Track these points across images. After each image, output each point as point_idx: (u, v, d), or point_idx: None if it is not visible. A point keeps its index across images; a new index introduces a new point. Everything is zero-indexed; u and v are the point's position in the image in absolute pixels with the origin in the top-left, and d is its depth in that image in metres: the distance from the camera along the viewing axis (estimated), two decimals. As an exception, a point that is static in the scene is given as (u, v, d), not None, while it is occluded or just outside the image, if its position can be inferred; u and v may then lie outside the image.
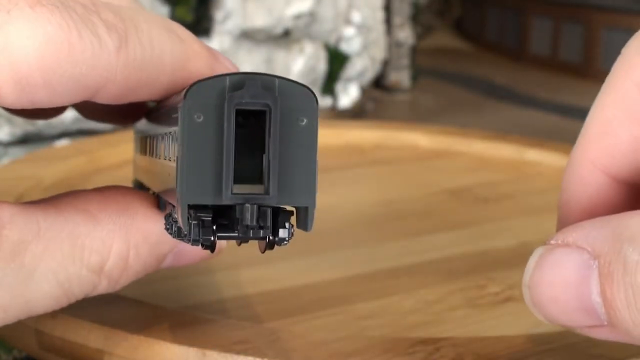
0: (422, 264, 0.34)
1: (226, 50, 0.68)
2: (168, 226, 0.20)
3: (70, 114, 0.59)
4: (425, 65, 0.98)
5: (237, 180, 0.18)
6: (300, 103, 0.19)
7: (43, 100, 0.18)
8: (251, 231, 0.19)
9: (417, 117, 0.81)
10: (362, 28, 0.78)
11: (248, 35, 0.69)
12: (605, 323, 0.19)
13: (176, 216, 0.19)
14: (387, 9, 0.86)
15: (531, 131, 0.70)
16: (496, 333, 0.27)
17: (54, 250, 0.19)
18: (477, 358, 0.24)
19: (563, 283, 0.19)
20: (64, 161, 0.44)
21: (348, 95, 0.78)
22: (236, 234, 0.19)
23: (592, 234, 0.19)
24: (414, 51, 0.91)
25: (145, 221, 0.21)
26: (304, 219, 0.19)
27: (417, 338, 0.25)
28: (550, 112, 0.81)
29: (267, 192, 0.18)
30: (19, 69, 0.18)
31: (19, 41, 0.17)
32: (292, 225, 0.19)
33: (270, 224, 0.19)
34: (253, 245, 0.37)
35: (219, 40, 0.68)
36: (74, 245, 0.20)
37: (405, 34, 0.89)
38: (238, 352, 0.23)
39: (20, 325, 0.26)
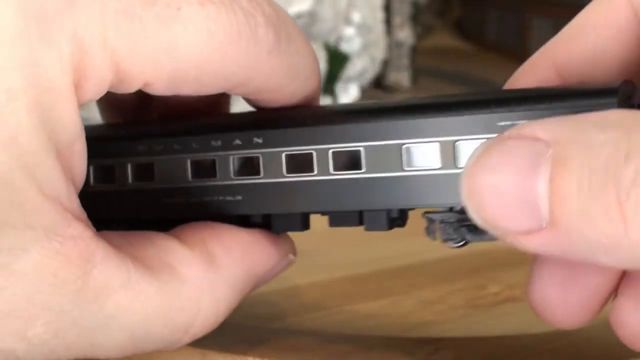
0: (422, 264, 0.34)
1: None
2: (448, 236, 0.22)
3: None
4: (425, 65, 0.98)
5: None
6: None
7: (186, 92, 0.19)
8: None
9: (417, 117, 0.80)
10: (362, 28, 0.78)
11: (248, 35, 0.69)
12: (545, 224, 0.16)
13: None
14: (387, 9, 0.85)
15: (531, 131, 0.69)
16: (496, 333, 0.27)
17: (140, 305, 0.18)
18: (477, 358, 0.24)
19: (507, 171, 0.16)
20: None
21: (348, 95, 0.78)
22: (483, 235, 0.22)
23: (552, 123, 0.16)
24: (414, 51, 0.91)
25: (241, 251, 0.20)
26: None
27: (417, 338, 0.25)
28: (550, 112, 0.81)
29: None
30: (178, 67, 0.18)
31: (183, 40, 0.17)
32: None
33: None
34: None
35: (219, 40, 0.68)
36: (162, 303, 0.18)
37: (405, 34, 0.89)
38: (238, 352, 0.23)
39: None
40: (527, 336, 0.25)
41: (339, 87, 0.77)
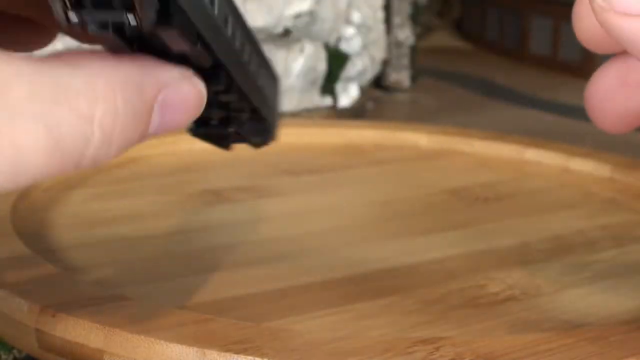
0: (422, 264, 0.34)
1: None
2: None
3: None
4: (425, 65, 0.98)
5: None
6: None
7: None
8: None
9: (417, 117, 0.81)
10: (362, 28, 0.78)
11: (248, 35, 0.69)
12: None
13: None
14: (387, 8, 0.85)
15: (531, 131, 0.70)
16: (496, 333, 0.27)
17: (39, 92, 0.18)
18: (477, 358, 0.24)
19: None
20: (64, 161, 0.44)
21: (348, 95, 0.78)
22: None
23: None
24: (414, 51, 0.91)
25: (122, 62, 0.20)
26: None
27: (417, 338, 0.25)
28: (550, 112, 0.81)
29: None
30: None
31: None
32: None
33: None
34: (253, 246, 0.37)
35: (219, 40, 0.68)
36: (59, 87, 0.18)
37: (405, 34, 0.89)
38: (238, 352, 0.23)
39: (20, 325, 0.26)
40: (527, 336, 0.25)
41: (339, 87, 0.77)
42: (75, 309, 0.26)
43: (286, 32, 0.71)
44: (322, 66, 0.74)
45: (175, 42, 0.19)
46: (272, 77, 0.29)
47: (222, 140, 0.27)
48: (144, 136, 0.20)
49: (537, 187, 0.45)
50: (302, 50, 0.73)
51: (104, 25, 0.19)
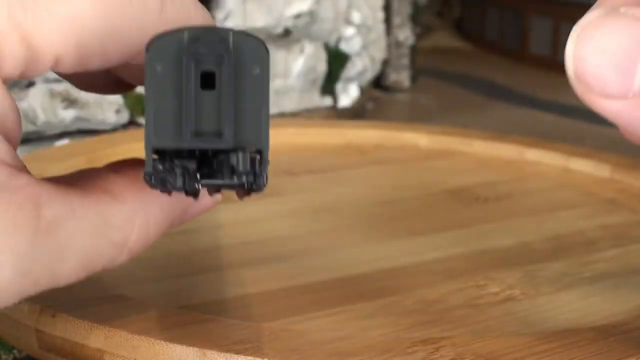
0: (422, 264, 0.34)
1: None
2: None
3: (69, 114, 0.59)
4: (425, 65, 0.98)
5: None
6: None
7: (95, 64, 0.20)
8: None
9: (417, 117, 0.81)
10: (362, 28, 0.78)
11: (248, 35, 0.69)
12: (631, 95, 0.19)
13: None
14: (387, 9, 0.86)
15: (531, 131, 0.70)
16: (496, 333, 0.27)
17: (85, 229, 0.20)
18: (477, 358, 0.24)
19: (619, 39, 0.19)
20: (64, 161, 0.44)
21: (348, 95, 0.78)
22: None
23: None
24: (414, 51, 0.91)
25: (159, 193, 0.22)
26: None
27: (417, 338, 0.25)
28: (550, 112, 0.81)
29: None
30: (82, 38, 0.19)
31: (82, 10, 0.19)
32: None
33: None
34: (253, 246, 0.37)
35: (219, 40, 0.68)
36: (102, 224, 0.21)
37: (405, 34, 0.89)
38: (238, 352, 0.23)
39: (20, 325, 0.26)
40: (527, 336, 0.25)
41: (339, 87, 0.77)
42: (75, 309, 0.26)
43: (286, 32, 0.71)
44: (322, 66, 0.74)
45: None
46: None
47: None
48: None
49: (537, 187, 0.45)
50: (302, 50, 0.73)
51: (216, 189, 0.22)
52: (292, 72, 0.72)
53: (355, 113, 0.78)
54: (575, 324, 0.29)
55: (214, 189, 0.24)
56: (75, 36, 0.19)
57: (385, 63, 0.87)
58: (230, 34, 0.20)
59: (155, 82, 0.20)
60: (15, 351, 0.33)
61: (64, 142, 0.60)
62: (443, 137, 0.53)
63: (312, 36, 0.73)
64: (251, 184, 0.20)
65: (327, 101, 0.77)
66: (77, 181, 0.22)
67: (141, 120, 0.63)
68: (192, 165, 0.20)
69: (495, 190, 0.44)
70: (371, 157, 0.51)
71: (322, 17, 0.73)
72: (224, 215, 0.39)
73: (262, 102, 0.20)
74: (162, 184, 0.21)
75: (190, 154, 0.20)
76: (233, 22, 0.68)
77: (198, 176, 0.20)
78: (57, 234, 0.20)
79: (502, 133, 0.54)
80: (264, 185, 0.21)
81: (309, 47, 0.73)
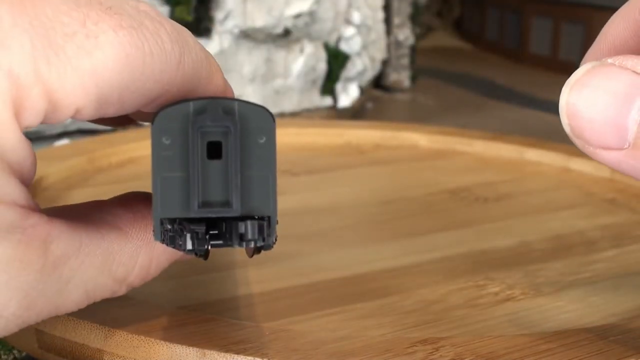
0: (422, 264, 0.34)
1: (226, 50, 0.68)
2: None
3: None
4: (425, 65, 0.98)
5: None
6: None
7: (111, 112, 0.21)
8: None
9: (417, 117, 0.81)
10: (362, 28, 0.78)
11: (248, 35, 0.69)
12: (627, 145, 0.19)
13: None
14: (387, 9, 0.86)
15: (531, 131, 0.70)
16: (496, 333, 0.27)
17: (89, 265, 0.21)
18: (476, 358, 0.24)
19: (608, 92, 0.19)
20: (64, 161, 0.44)
21: (348, 95, 0.78)
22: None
23: None
24: (414, 51, 0.91)
25: None
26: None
27: (417, 338, 0.25)
28: (550, 112, 0.81)
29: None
30: (103, 90, 0.20)
31: (105, 65, 0.20)
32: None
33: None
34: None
35: (219, 40, 0.68)
36: (106, 261, 0.21)
37: (405, 34, 0.89)
38: (238, 352, 0.23)
39: (20, 325, 0.26)
40: (527, 336, 0.25)
41: (339, 87, 0.77)
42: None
43: (286, 32, 0.71)
44: (322, 66, 0.74)
45: None
46: None
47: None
48: None
49: (537, 187, 0.45)
50: (302, 50, 0.73)
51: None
52: (292, 72, 0.72)
53: (355, 113, 0.79)
54: (575, 324, 0.29)
55: None
56: (96, 89, 0.20)
57: (385, 63, 0.87)
58: (236, 104, 0.20)
59: (161, 154, 0.20)
60: (15, 351, 0.33)
61: (64, 142, 0.60)
62: (443, 137, 0.53)
63: (312, 36, 0.73)
64: (260, 246, 0.21)
65: (327, 101, 0.77)
66: (86, 215, 0.22)
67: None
68: (201, 229, 0.20)
69: (495, 190, 0.44)
70: (371, 157, 0.51)
71: (322, 17, 0.73)
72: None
73: (268, 170, 0.21)
74: (172, 243, 0.21)
75: (199, 218, 0.20)
76: (233, 22, 0.68)
77: (207, 238, 0.21)
78: (63, 269, 0.20)
79: (502, 133, 0.54)
80: (273, 244, 0.21)
81: (309, 47, 0.73)
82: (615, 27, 0.24)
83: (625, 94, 0.19)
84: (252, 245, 0.20)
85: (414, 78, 0.91)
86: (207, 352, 0.23)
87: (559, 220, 0.40)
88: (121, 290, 0.23)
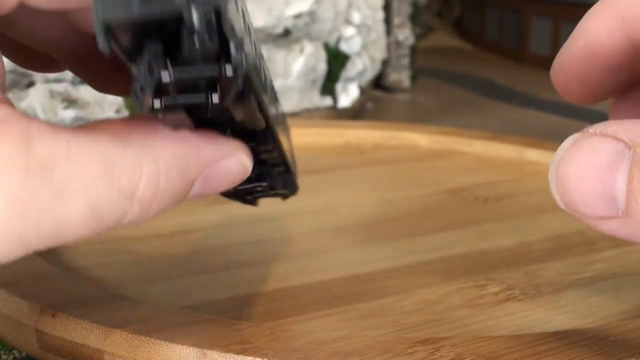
0: (422, 264, 0.34)
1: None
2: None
3: (69, 114, 0.59)
4: (425, 65, 0.98)
5: None
6: None
7: (54, 4, 0.19)
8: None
9: (417, 117, 0.81)
10: (362, 28, 0.78)
11: (248, 35, 0.69)
12: (620, 214, 0.20)
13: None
14: (387, 9, 0.86)
15: (531, 131, 0.70)
16: (496, 333, 0.27)
17: (85, 169, 0.19)
18: (477, 358, 0.24)
19: (592, 165, 0.20)
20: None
21: (348, 95, 0.78)
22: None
23: (632, 128, 0.20)
24: (414, 51, 0.91)
25: (172, 142, 0.20)
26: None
27: (417, 338, 0.25)
28: (550, 112, 0.81)
29: None
30: None
31: None
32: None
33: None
34: (254, 247, 0.37)
35: (219, 40, 0.68)
36: (105, 165, 0.19)
37: (405, 34, 0.89)
38: (238, 352, 0.23)
39: (20, 325, 0.26)
40: (527, 336, 0.25)
41: (339, 87, 0.77)
42: (75, 309, 0.26)
43: (286, 32, 0.71)
44: (322, 66, 0.74)
45: (242, 112, 0.20)
46: (287, 125, 0.29)
47: (249, 196, 0.27)
48: (181, 201, 0.21)
49: (537, 187, 0.45)
50: (302, 50, 0.73)
51: (186, 108, 0.19)
52: (292, 72, 0.72)
53: (355, 113, 0.78)
54: (575, 324, 0.29)
55: (250, 196, 0.23)
56: None
57: (385, 63, 0.87)
58: None
59: None
60: (15, 351, 0.33)
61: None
62: (443, 137, 0.53)
63: (312, 36, 0.73)
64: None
65: (327, 101, 0.77)
66: (80, 127, 0.20)
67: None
68: (157, 47, 0.18)
69: (495, 190, 0.44)
70: (371, 157, 0.51)
71: (322, 17, 0.73)
72: (224, 215, 0.39)
73: None
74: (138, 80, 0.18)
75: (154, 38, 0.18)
76: (233, 22, 0.68)
77: (168, 62, 0.18)
78: (54, 174, 0.18)
79: (502, 133, 0.54)
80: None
81: (309, 47, 0.73)
82: (591, 24, 0.24)
83: (609, 163, 0.20)
84: (206, 42, 0.17)
85: (414, 78, 0.91)
86: (207, 352, 0.23)
87: (559, 220, 0.40)
88: (133, 210, 0.20)
